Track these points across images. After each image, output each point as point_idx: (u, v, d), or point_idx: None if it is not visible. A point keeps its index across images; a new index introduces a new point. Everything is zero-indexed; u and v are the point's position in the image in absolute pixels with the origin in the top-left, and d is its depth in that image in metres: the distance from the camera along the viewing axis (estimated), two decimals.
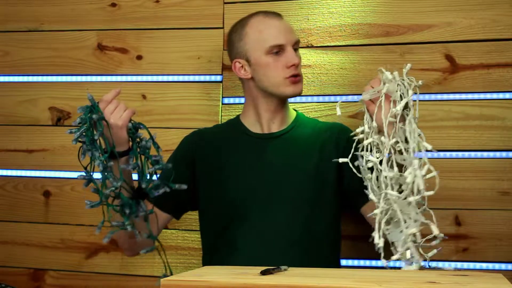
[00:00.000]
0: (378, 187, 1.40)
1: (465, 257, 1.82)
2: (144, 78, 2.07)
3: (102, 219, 1.45)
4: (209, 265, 1.60)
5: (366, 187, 1.45)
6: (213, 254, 1.68)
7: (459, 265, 1.82)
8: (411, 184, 1.33)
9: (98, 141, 1.44)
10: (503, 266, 1.81)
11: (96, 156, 1.43)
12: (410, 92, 1.40)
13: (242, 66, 1.70)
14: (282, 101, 1.71)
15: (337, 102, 1.93)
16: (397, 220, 1.36)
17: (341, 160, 1.48)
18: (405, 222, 1.34)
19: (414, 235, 1.34)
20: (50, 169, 2.10)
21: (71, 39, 2.12)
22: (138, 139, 1.52)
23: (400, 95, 1.40)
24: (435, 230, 1.32)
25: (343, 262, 1.85)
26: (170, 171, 1.52)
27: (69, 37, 2.12)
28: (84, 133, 1.43)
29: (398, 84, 1.41)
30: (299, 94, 1.68)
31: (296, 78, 1.65)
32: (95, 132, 1.44)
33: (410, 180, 1.32)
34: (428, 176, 1.33)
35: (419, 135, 1.38)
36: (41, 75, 2.14)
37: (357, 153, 1.44)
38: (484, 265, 1.81)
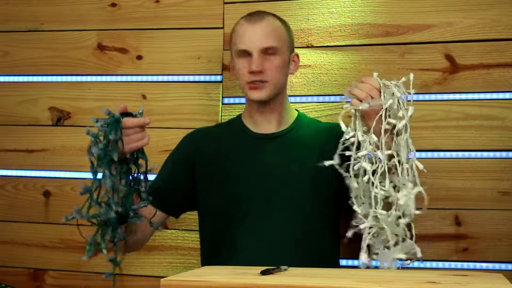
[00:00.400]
0: (364, 196, 1.41)
1: (465, 257, 1.82)
2: (144, 78, 2.07)
3: (89, 247, 1.45)
4: (208, 265, 1.60)
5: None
6: (213, 254, 1.68)
7: (459, 265, 1.82)
8: (403, 206, 1.35)
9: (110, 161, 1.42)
10: (503, 266, 1.81)
11: (108, 174, 1.41)
12: (411, 109, 1.41)
13: (233, 66, 1.72)
14: (264, 106, 1.69)
15: (337, 102, 1.94)
16: (384, 238, 1.38)
17: (327, 163, 1.47)
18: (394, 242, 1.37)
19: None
20: (50, 169, 2.10)
21: (71, 39, 2.12)
22: (134, 168, 1.49)
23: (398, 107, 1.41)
24: (418, 253, 1.36)
25: (343, 262, 1.85)
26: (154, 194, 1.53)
27: (69, 37, 2.12)
28: (102, 149, 1.41)
29: (398, 99, 1.41)
30: (261, 100, 1.66)
31: (254, 84, 1.64)
32: (112, 152, 1.41)
33: (403, 203, 1.35)
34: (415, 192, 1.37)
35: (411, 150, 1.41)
36: (41, 75, 2.14)
37: (349, 162, 1.44)
38: (484, 265, 1.81)
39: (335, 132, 1.69)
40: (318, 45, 1.95)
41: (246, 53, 1.65)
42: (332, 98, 1.95)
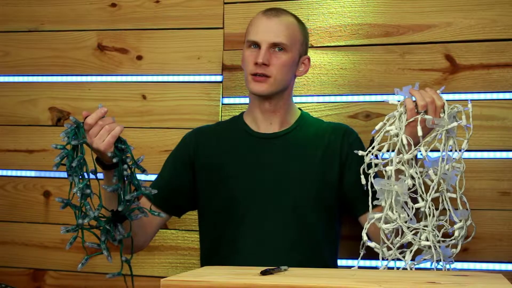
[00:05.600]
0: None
1: (465, 257, 1.82)
2: (144, 78, 2.07)
3: (85, 255, 1.46)
4: (208, 265, 1.60)
5: (366, 194, 1.48)
6: (212, 254, 1.68)
7: (459, 265, 1.82)
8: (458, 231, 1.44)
9: (79, 166, 1.40)
10: (503, 266, 1.81)
11: (76, 182, 1.40)
12: (465, 144, 1.46)
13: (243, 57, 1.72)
14: (267, 102, 1.68)
15: (337, 102, 1.94)
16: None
17: (360, 153, 1.50)
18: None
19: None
20: (50, 169, 2.09)
21: (71, 39, 2.12)
22: (122, 161, 1.45)
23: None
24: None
25: (343, 262, 1.85)
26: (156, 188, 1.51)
27: (69, 37, 2.12)
28: (65, 157, 1.40)
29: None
30: (261, 94, 1.65)
31: (257, 77, 1.64)
32: (74, 158, 1.39)
33: (458, 235, 1.43)
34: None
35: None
36: (41, 75, 2.14)
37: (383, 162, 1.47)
38: (484, 265, 1.81)
39: (340, 134, 1.69)
40: (318, 45, 1.95)
41: (255, 45, 1.65)
42: (332, 98, 1.95)
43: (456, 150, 1.45)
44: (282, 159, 1.67)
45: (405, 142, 1.42)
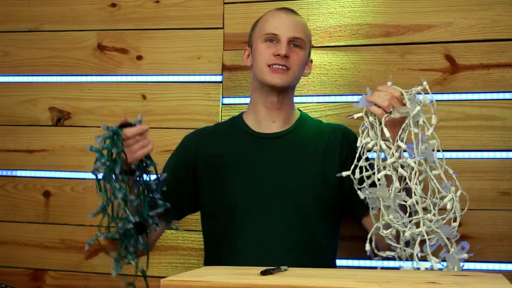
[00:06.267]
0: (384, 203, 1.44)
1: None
2: (144, 78, 2.07)
3: (117, 263, 1.46)
4: (210, 265, 1.60)
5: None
6: (215, 254, 1.68)
7: None
8: (450, 211, 1.41)
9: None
10: (503, 266, 1.81)
11: (117, 188, 1.42)
12: (434, 116, 1.43)
13: (248, 54, 1.73)
14: (276, 96, 1.68)
15: (337, 102, 1.94)
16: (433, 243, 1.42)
17: (344, 173, 1.51)
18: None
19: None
20: (50, 169, 2.10)
21: (71, 39, 2.12)
22: (144, 176, 1.50)
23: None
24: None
25: (343, 262, 1.85)
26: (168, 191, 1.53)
27: (69, 37, 2.12)
28: (106, 164, 1.42)
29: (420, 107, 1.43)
30: (279, 86, 1.65)
31: (277, 68, 1.64)
32: (115, 165, 1.42)
33: (450, 207, 1.40)
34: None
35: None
36: (41, 75, 2.14)
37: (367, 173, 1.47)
38: (484, 265, 1.81)
39: (339, 134, 1.69)
40: (318, 45, 1.95)
41: (273, 39, 1.65)
42: (332, 98, 1.95)
43: (427, 128, 1.43)
44: (283, 159, 1.67)
45: (384, 147, 1.43)
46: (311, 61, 1.76)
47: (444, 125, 1.85)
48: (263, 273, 1.16)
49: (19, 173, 2.12)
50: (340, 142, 1.68)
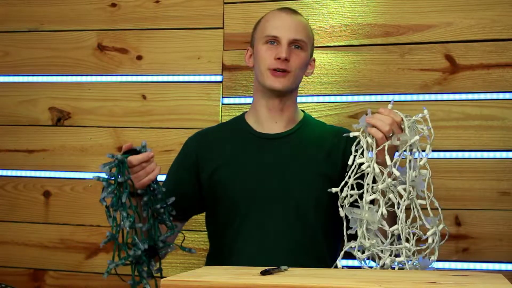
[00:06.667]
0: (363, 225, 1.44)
1: (465, 257, 1.82)
2: (144, 78, 2.07)
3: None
4: (212, 265, 1.60)
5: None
6: (217, 254, 1.68)
7: (459, 265, 1.82)
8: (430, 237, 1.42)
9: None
10: (503, 266, 1.81)
11: (125, 216, 1.42)
12: (429, 149, 1.42)
13: (250, 55, 1.72)
14: (277, 99, 1.67)
15: (337, 102, 1.94)
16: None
17: (334, 189, 1.50)
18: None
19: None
20: (50, 169, 2.10)
21: (71, 39, 2.12)
22: (152, 198, 1.51)
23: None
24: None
25: (343, 262, 1.85)
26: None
27: (69, 37, 2.12)
28: (113, 193, 1.42)
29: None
30: (279, 90, 1.64)
31: (278, 72, 1.63)
32: (122, 193, 1.43)
33: (431, 241, 1.41)
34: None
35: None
36: (41, 75, 2.14)
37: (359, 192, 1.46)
38: (484, 265, 1.81)
39: (342, 139, 1.68)
40: (318, 45, 1.95)
41: (274, 41, 1.65)
42: (332, 98, 1.95)
43: (421, 156, 1.42)
44: (285, 159, 1.66)
45: (378, 171, 1.41)
46: (314, 60, 1.75)
47: (444, 125, 1.85)
48: (263, 273, 1.16)
49: (19, 173, 2.12)
50: (344, 145, 1.67)
